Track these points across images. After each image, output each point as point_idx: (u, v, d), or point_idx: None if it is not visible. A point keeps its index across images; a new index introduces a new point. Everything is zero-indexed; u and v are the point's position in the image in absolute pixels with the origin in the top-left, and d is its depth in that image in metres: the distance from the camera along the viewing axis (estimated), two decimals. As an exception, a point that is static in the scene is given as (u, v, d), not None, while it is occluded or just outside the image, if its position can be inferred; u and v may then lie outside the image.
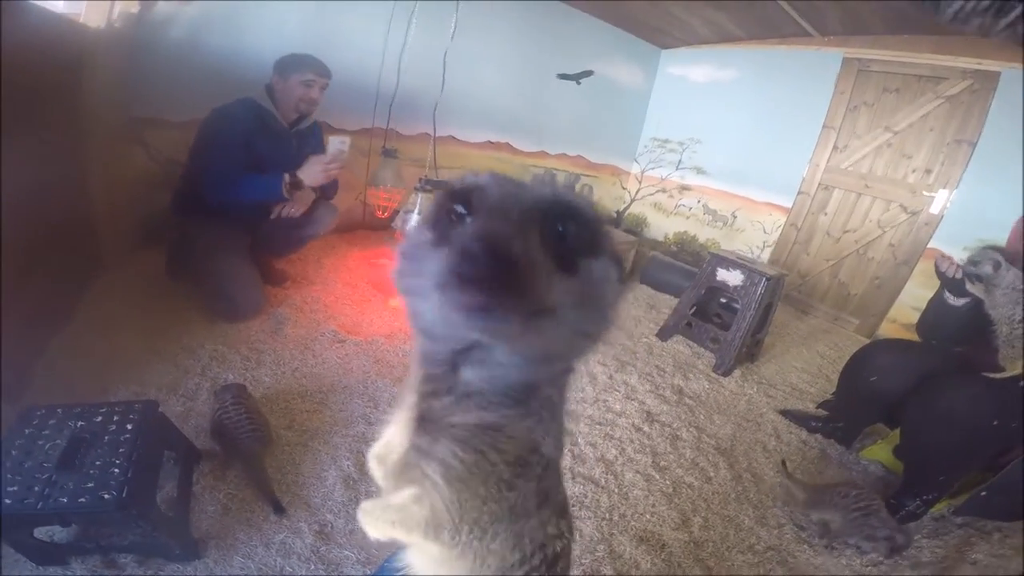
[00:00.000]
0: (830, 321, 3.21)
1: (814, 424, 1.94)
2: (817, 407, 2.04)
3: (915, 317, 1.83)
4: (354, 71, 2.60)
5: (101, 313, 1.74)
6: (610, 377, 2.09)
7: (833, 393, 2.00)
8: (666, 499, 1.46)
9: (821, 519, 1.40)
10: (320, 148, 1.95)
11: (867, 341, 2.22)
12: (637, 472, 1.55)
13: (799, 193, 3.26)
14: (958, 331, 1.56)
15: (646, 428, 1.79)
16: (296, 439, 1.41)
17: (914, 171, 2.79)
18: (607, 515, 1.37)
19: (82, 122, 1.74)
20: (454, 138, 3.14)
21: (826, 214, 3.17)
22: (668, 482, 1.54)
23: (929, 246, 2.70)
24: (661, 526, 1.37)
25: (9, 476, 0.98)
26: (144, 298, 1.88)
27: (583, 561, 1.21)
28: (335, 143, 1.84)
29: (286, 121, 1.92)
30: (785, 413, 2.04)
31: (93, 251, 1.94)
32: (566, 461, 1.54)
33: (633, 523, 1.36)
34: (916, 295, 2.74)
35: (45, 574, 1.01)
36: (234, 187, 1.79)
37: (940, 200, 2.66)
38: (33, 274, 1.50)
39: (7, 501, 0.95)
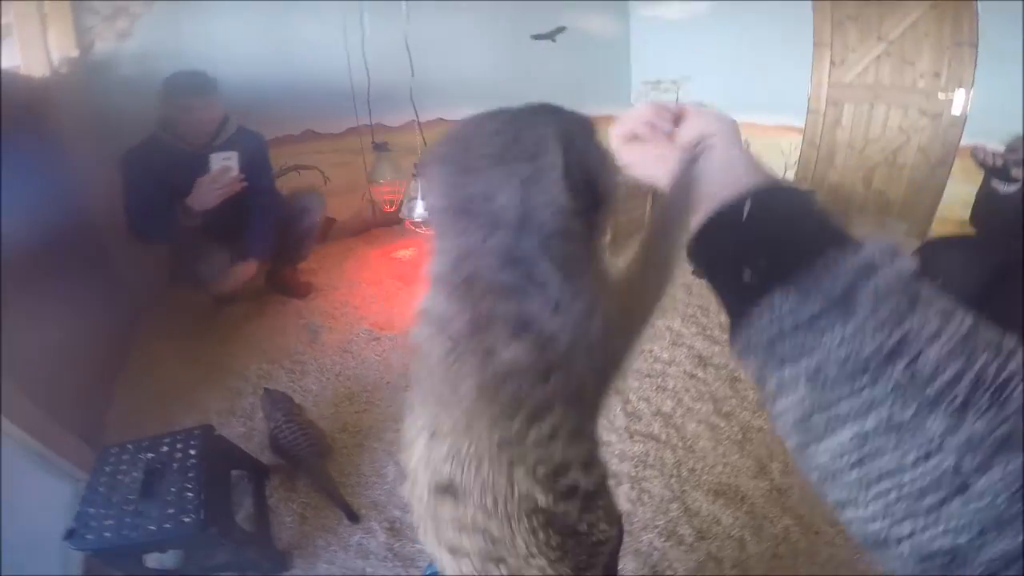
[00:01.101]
0: (875, 229, 3.05)
1: None
2: None
3: (966, 213, 1.72)
4: (323, 76, 2.53)
5: (151, 354, 1.81)
6: (651, 325, 1.99)
7: None
8: (737, 447, 1.39)
9: None
10: (251, 151, 1.87)
11: (920, 244, 2.04)
12: (699, 422, 1.49)
13: (809, 112, 3.15)
14: (1015, 220, 1.46)
15: (700, 373, 1.70)
16: (351, 441, 1.43)
17: (922, 76, 2.70)
18: (675, 471, 1.32)
19: (73, 171, 1.77)
20: (443, 119, 3.08)
21: (843, 128, 3.07)
22: (736, 428, 1.46)
23: (962, 145, 2.59)
24: (736, 476, 1.30)
25: (103, 511, 1.03)
26: (185, 333, 1.93)
27: (656, 523, 1.18)
28: (217, 160, 1.72)
29: (198, 144, 1.79)
30: (849, 337, 1.90)
31: (130, 297, 2.01)
32: (620, 420, 1.49)
33: (705, 477, 1.30)
34: (961, 192, 2.56)
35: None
36: (148, 229, 1.78)
37: (959, 101, 2.57)
38: (86, 329, 1.59)
39: (106, 534, 1.00)
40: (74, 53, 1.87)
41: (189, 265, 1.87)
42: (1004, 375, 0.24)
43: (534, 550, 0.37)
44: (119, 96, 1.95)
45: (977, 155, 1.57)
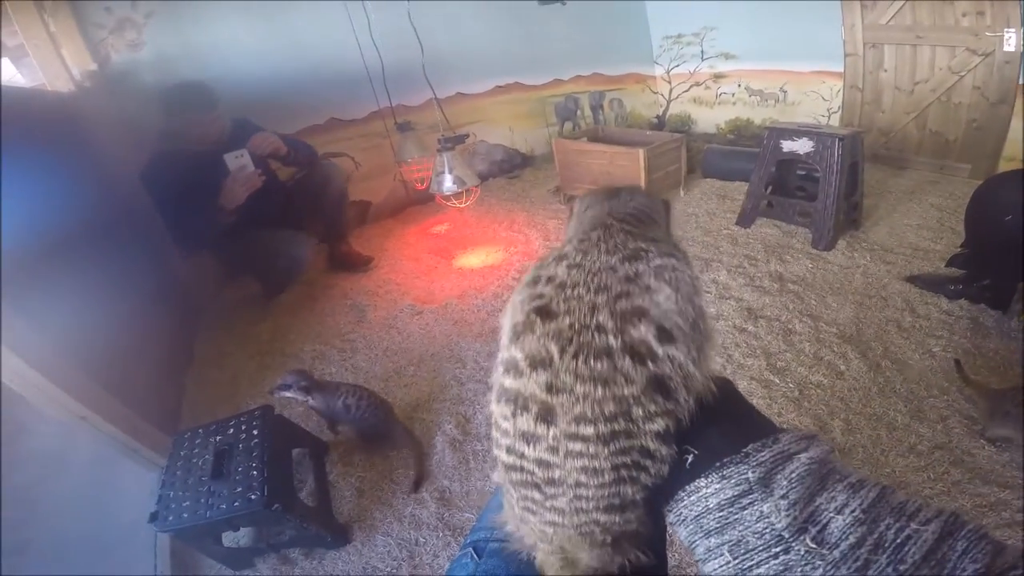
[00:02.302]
0: (935, 171, 2.67)
1: (953, 288, 1.53)
2: (947, 265, 1.60)
3: None
4: (336, 64, 2.42)
5: (214, 346, 1.84)
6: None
7: (961, 245, 1.55)
8: (793, 405, 1.23)
9: (1002, 435, 1.03)
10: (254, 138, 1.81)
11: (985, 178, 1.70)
12: (752, 379, 1.32)
13: (847, 56, 2.82)
14: None
15: (750, 327, 1.52)
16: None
17: (964, 15, 2.36)
18: (728, 432, 1.16)
19: (115, 178, 1.77)
20: (462, 94, 2.92)
21: (886, 70, 2.73)
22: (791, 385, 1.29)
23: (1022, 82, 2.28)
24: (795, 436, 1.13)
25: (181, 493, 1.04)
26: (241, 324, 1.94)
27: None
28: (231, 160, 1.69)
29: (210, 143, 1.76)
30: (914, 280, 1.64)
31: (188, 295, 2.05)
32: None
33: (761, 437, 1.14)
34: None
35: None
36: (195, 239, 1.81)
37: (1011, 38, 2.25)
38: (155, 329, 1.65)
39: (184, 515, 1.00)
40: (93, 67, 1.85)
41: (287, 258, 1.89)
42: (903, 536, 0.28)
43: (581, 408, 0.32)
44: (146, 102, 1.92)
45: None
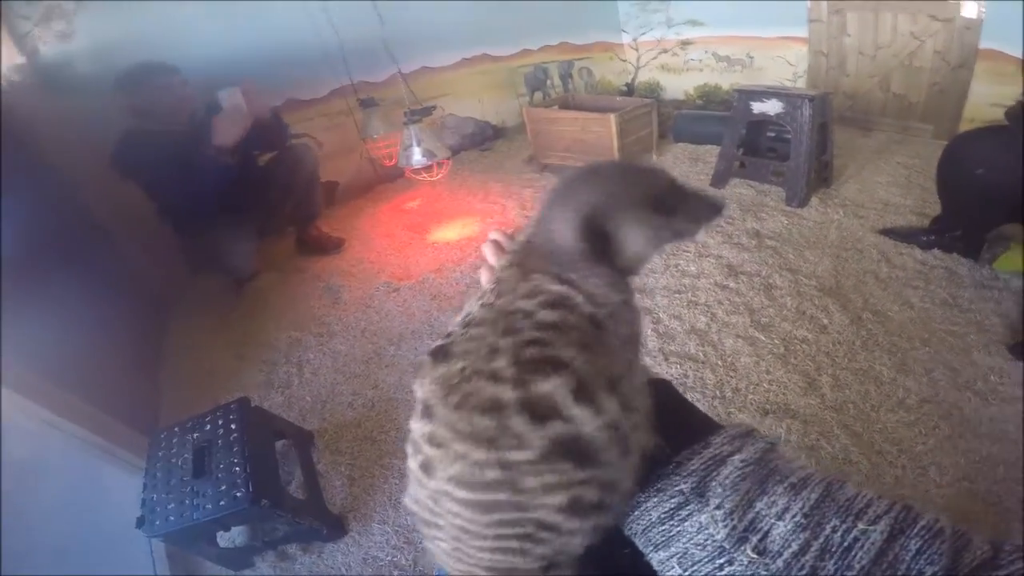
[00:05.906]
0: (899, 132, 2.72)
1: (926, 239, 1.55)
2: (930, 226, 1.61)
3: (995, 113, 1.57)
4: (292, 44, 2.22)
5: (186, 340, 1.70)
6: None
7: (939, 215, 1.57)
8: (780, 361, 1.21)
9: None
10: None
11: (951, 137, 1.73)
12: (737, 337, 1.31)
13: (811, 22, 2.80)
14: None
15: (731, 284, 1.50)
16: (384, 395, 1.32)
17: None
18: (717, 392, 1.16)
19: (59, 175, 1.60)
20: (427, 67, 2.74)
21: (849, 35, 2.73)
22: (776, 341, 1.28)
23: (982, 47, 2.30)
24: (784, 394, 1.13)
25: (164, 496, 0.96)
26: (213, 317, 1.80)
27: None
28: (224, 97, 1.58)
29: (181, 123, 1.61)
30: (888, 232, 1.65)
31: (154, 289, 1.89)
32: (653, 342, 1.32)
33: (751, 396, 1.14)
34: (986, 93, 2.32)
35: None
36: (196, 206, 1.61)
37: (971, 6, 2.27)
38: (122, 328, 1.52)
39: (171, 518, 0.93)
40: (20, 60, 1.64)
41: (222, 261, 1.77)
42: (850, 538, 0.26)
43: (458, 470, 0.27)
44: (83, 95, 1.72)
45: None
